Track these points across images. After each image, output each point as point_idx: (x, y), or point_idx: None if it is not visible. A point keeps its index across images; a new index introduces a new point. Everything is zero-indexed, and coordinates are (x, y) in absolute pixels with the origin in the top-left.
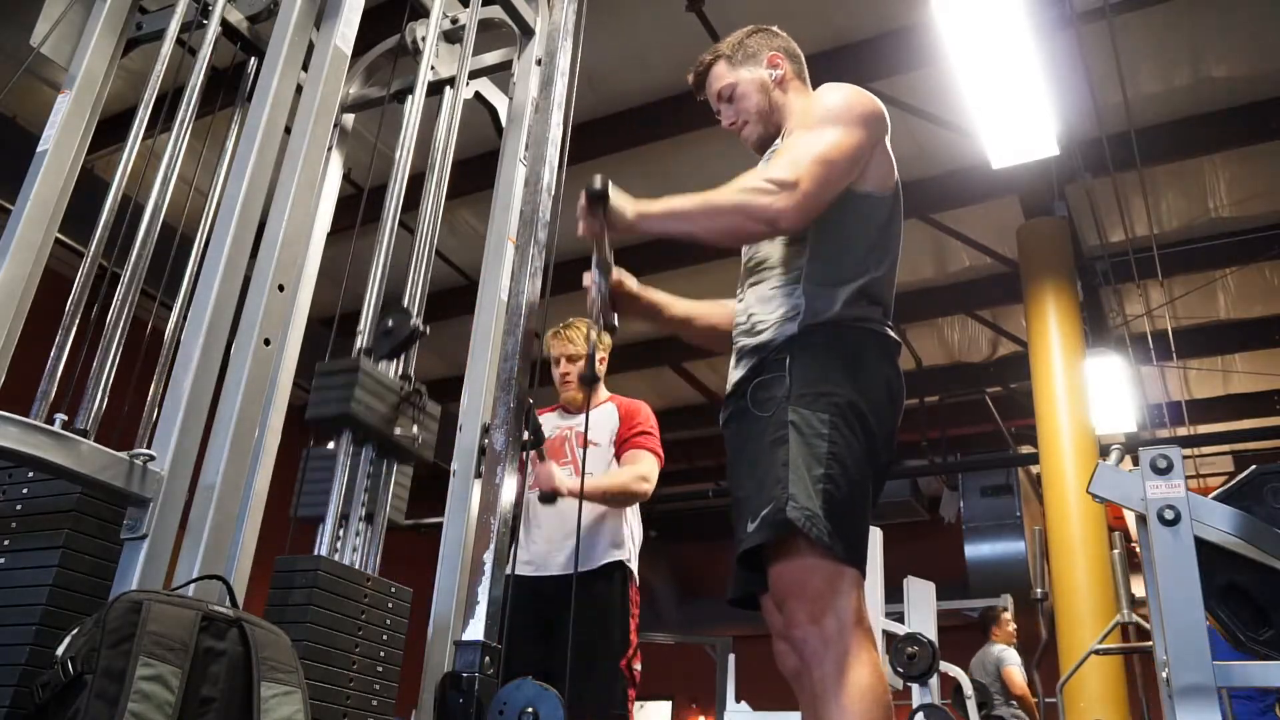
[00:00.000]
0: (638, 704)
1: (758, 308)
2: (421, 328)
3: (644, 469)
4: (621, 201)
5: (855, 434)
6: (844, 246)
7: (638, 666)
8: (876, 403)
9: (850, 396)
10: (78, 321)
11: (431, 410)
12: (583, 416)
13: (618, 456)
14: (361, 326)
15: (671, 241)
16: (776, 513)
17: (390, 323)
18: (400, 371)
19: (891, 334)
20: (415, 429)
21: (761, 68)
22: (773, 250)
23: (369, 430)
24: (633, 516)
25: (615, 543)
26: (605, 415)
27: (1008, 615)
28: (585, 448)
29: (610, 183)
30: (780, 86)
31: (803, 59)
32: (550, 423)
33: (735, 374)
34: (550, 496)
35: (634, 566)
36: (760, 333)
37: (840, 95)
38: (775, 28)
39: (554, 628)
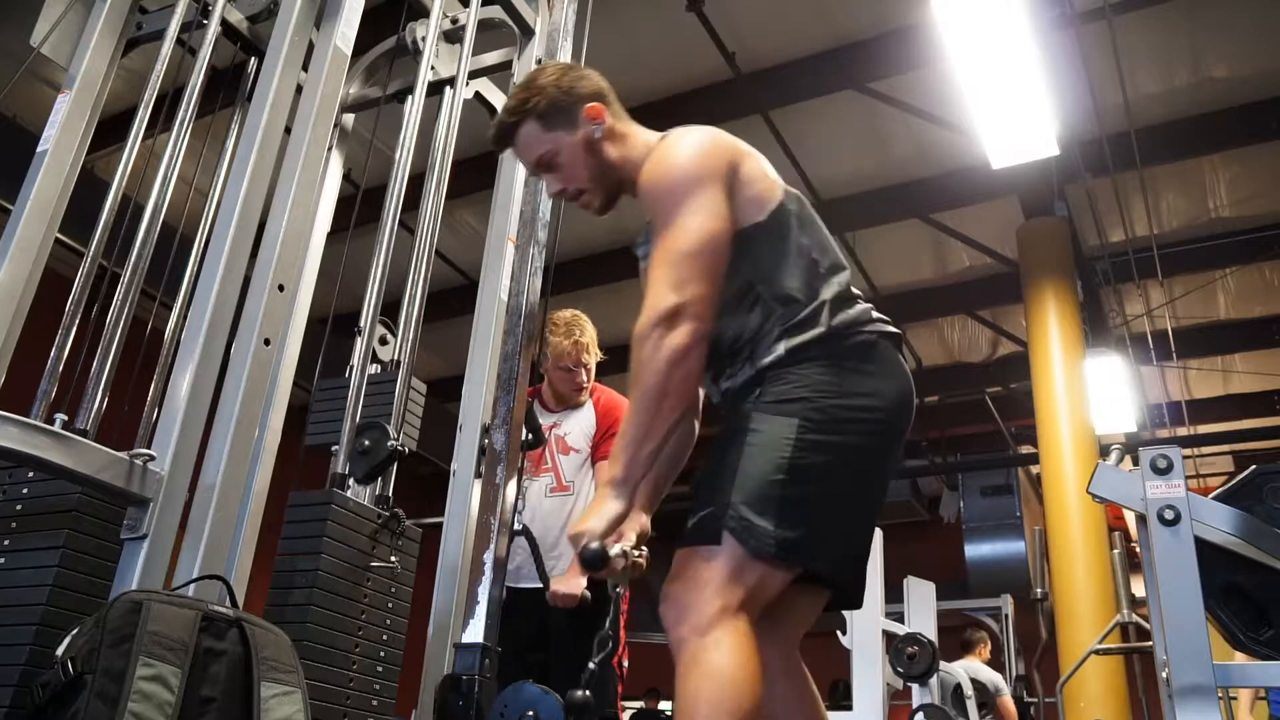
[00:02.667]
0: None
1: (736, 350)
2: (400, 447)
3: None
4: (603, 520)
5: (831, 440)
6: (778, 275)
7: (625, 663)
8: (865, 407)
9: (829, 401)
10: (78, 321)
11: (411, 534)
12: (566, 413)
13: (593, 461)
14: (338, 448)
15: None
16: (713, 520)
17: (367, 442)
18: (379, 493)
19: (879, 333)
20: (393, 558)
21: (582, 125)
22: (727, 330)
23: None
24: None
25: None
26: (584, 416)
27: (987, 642)
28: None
29: (604, 544)
30: (609, 139)
31: (611, 92)
32: None
33: (723, 393)
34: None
35: None
36: (744, 365)
37: (677, 163)
38: (579, 66)
39: (549, 631)
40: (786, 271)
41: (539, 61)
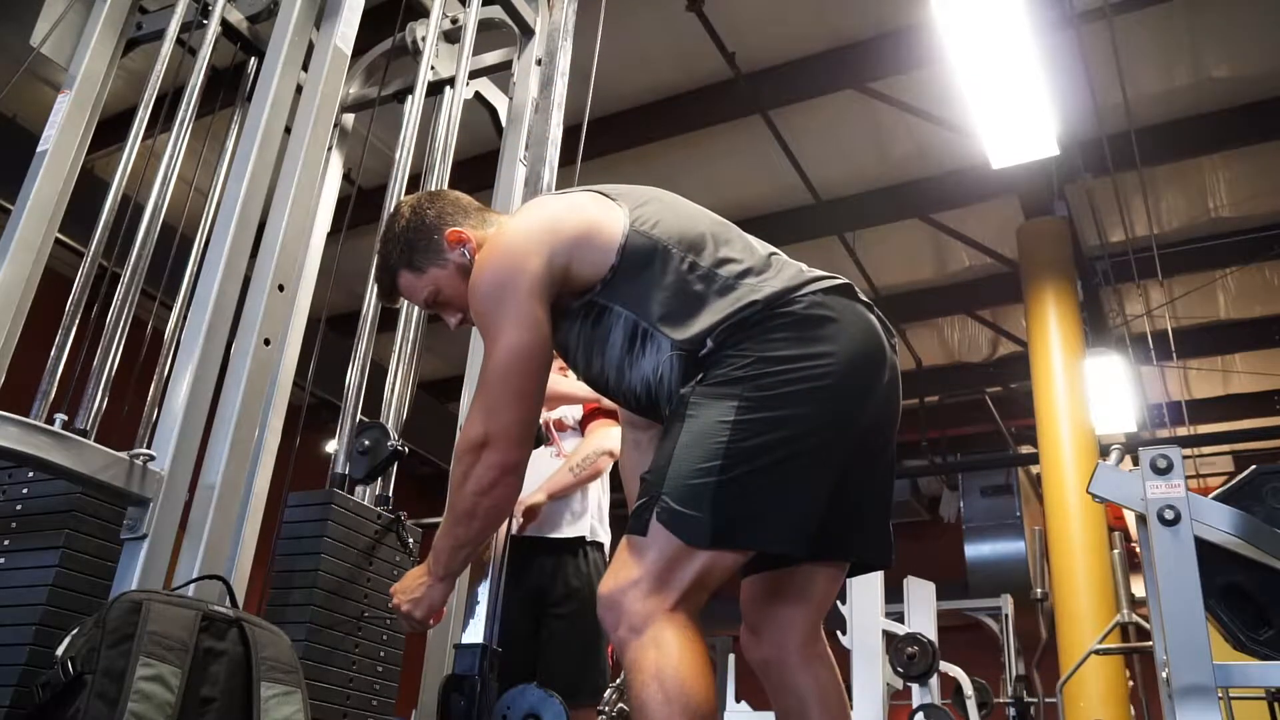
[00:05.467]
0: None
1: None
2: (400, 447)
3: (602, 441)
4: (423, 607)
5: (773, 415)
6: (657, 301)
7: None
8: (813, 375)
9: (769, 377)
10: (78, 321)
11: (411, 534)
12: (556, 410)
13: (580, 430)
14: (337, 446)
15: None
16: (644, 510)
17: (367, 442)
18: (379, 493)
19: (823, 290)
20: (396, 558)
21: (449, 254)
22: (634, 382)
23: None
24: (594, 491)
25: (575, 514)
26: (576, 407)
27: None
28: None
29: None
30: (481, 253)
31: (464, 200)
32: None
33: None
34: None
35: (605, 545)
36: (666, 397)
37: (479, 280)
38: (431, 192)
39: (543, 614)
40: (664, 292)
41: (539, 62)
